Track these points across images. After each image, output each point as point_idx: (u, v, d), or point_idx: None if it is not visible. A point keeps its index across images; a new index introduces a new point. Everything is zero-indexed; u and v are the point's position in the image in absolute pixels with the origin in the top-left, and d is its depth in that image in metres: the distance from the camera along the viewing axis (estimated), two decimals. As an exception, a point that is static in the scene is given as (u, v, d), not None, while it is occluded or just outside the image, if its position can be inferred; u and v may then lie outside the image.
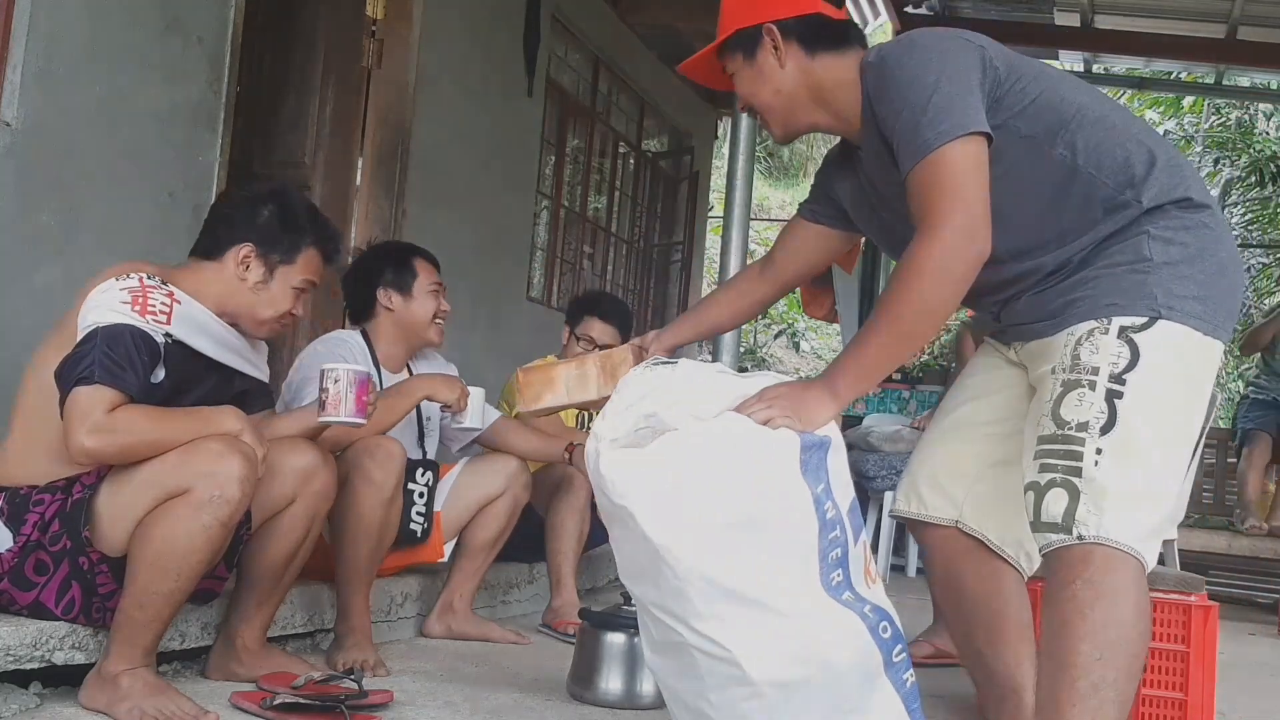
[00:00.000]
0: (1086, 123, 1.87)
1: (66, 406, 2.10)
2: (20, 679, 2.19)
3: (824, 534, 1.76)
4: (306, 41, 4.80)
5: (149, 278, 2.23)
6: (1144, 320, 1.78)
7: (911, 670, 1.83)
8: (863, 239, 7.07)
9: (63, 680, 2.26)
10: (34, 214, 3.20)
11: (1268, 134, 12.86)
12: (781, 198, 17.22)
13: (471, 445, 3.33)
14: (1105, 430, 1.75)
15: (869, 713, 1.79)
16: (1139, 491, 1.75)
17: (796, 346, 14.67)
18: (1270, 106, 12.27)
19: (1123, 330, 1.78)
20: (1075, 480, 1.75)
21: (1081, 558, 1.73)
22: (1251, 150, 12.54)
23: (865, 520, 1.87)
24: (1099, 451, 1.74)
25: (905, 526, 3.83)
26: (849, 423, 6.05)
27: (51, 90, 3.20)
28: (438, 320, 3.22)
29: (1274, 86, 9.95)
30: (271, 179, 4.13)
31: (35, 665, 2.16)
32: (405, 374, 3.22)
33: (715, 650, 1.76)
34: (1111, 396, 1.76)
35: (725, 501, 1.74)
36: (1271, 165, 12.11)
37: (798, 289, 10.20)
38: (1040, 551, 1.81)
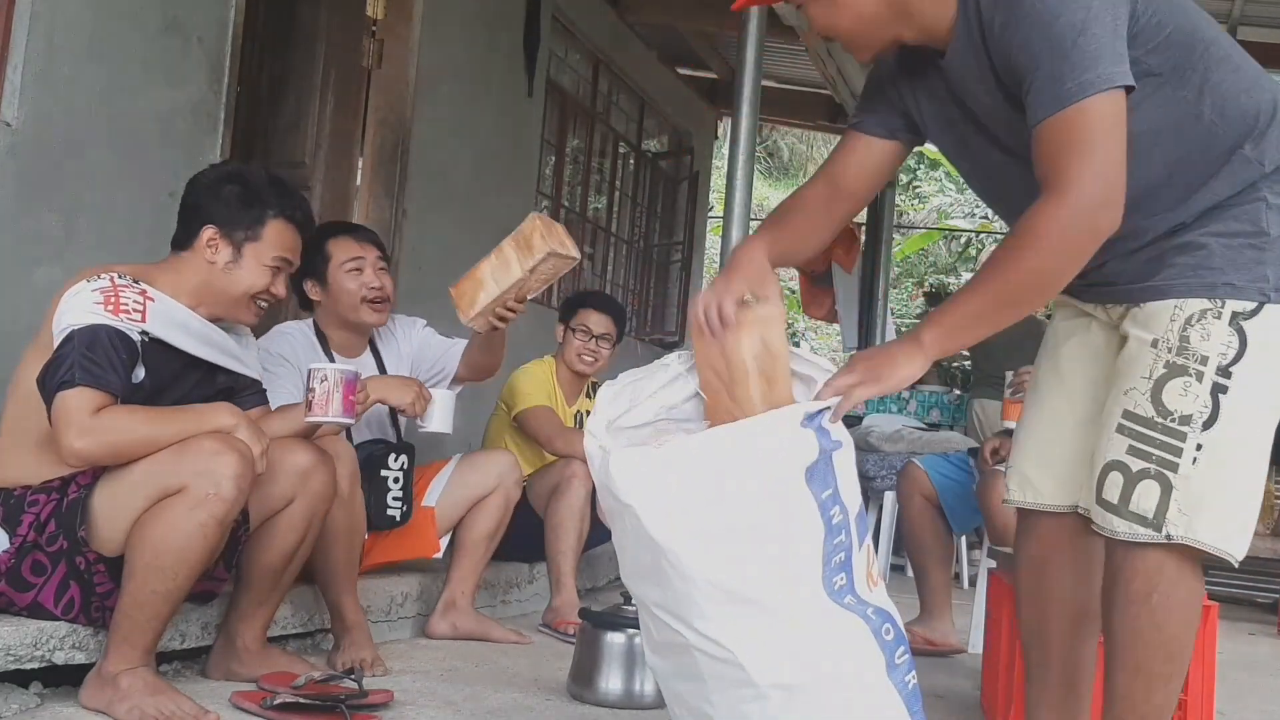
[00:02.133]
0: (1214, 61, 1.72)
1: (53, 412, 2.10)
2: (21, 679, 2.19)
3: (829, 539, 1.76)
4: (307, 41, 4.80)
5: (120, 277, 2.22)
6: (1254, 306, 1.70)
7: (914, 672, 1.82)
8: (863, 239, 7.05)
9: (63, 680, 2.26)
10: (34, 214, 3.20)
11: (1268, 134, 12.84)
12: (781, 198, 17.20)
13: (454, 383, 3.21)
14: (1207, 426, 1.69)
15: (875, 710, 1.79)
16: (1235, 490, 1.72)
17: (796, 346, 14.67)
18: (1270, 106, 12.26)
19: (1234, 316, 1.70)
20: (1170, 475, 1.70)
21: (1156, 568, 1.72)
22: (1251, 150, 12.53)
23: (866, 520, 1.86)
24: (1199, 448, 1.69)
25: (900, 524, 3.86)
26: (849, 422, 6.04)
27: (52, 90, 3.20)
28: (368, 300, 3.04)
29: (1274, 86, 9.93)
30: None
31: (35, 665, 2.16)
32: (368, 356, 3.16)
33: (718, 652, 1.76)
34: (1217, 391, 1.69)
35: (730, 505, 1.73)
36: (1271, 165, 12.09)
37: (797, 292, 10.13)
38: (1110, 535, 1.76)
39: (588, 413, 3.96)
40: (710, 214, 10.19)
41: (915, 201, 15.51)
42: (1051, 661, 2.05)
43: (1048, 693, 2.05)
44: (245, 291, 2.38)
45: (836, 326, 9.81)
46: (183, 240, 2.38)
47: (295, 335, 3.09)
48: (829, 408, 1.75)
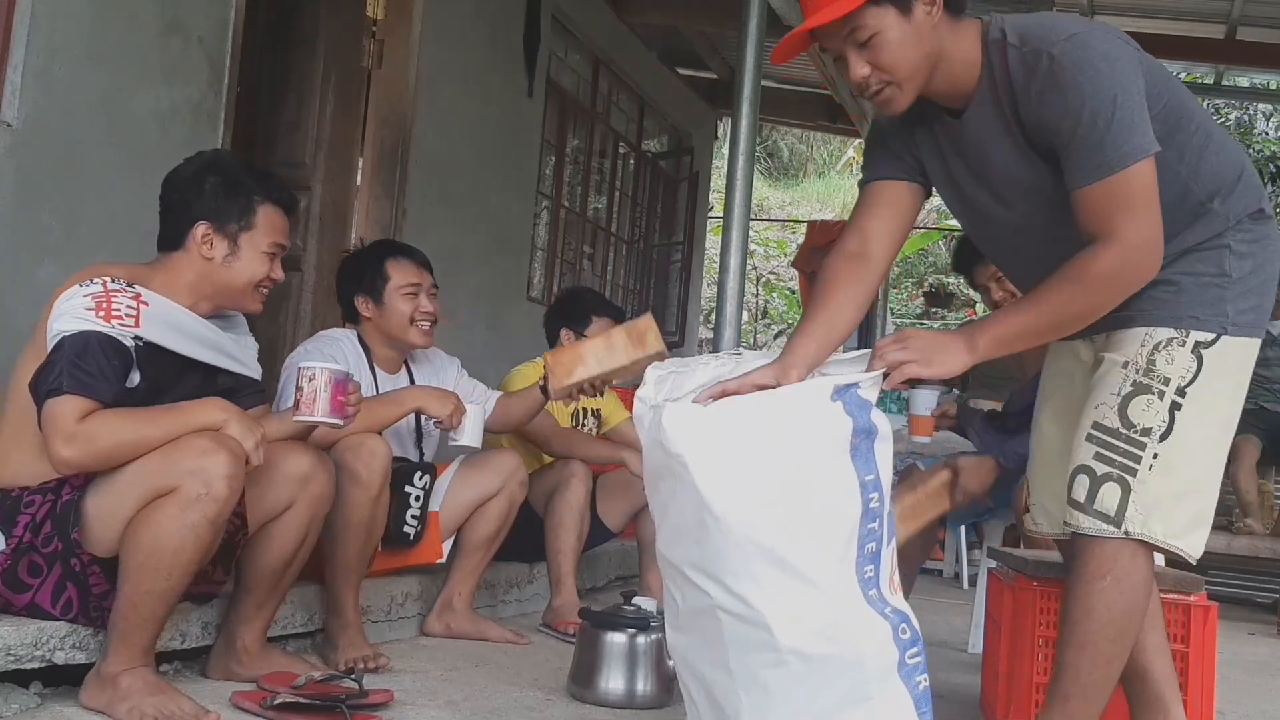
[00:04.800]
0: (1193, 130, 1.96)
1: (42, 420, 2.09)
2: (21, 679, 2.19)
3: (865, 521, 1.81)
4: (307, 42, 4.80)
5: (114, 281, 2.20)
6: (1213, 336, 1.93)
7: (925, 675, 1.84)
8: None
9: (63, 680, 2.26)
10: (34, 214, 3.20)
11: (1267, 134, 12.86)
12: (781, 198, 17.22)
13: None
14: (1164, 437, 1.92)
15: (882, 705, 1.81)
16: (1184, 490, 1.94)
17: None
18: (1270, 106, 12.28)
19: (1196, 345, 1.93)
20: (1130, 479, 1.92)
21: (1113, 555, 1.92)
22: (1251, 150, 12.54)
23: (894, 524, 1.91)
24: (1155, 456, 1.92)
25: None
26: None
27: (52, 90, 3.20)
28: (418, 323, 3.15)
29: (1273, 86, 9.94)
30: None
31: (36, 665, 2.16)
32: (404, 374, 3.22)
33: (745, 612, 1.79)
34: (1174, 407, 1.93)
35: (775, 466, 1.79)
36: (1271, 165, 12.12)
37: (795, 290, 10.14)
38: (1077, 531, 1.96)
39: (584, 410, 3.96)
40: (710, 214, 10.19)
41: (915, 201, 15.50)
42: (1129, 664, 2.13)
43: (1125, 680, 2.16)
44: (248, 282, 2.37)
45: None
46: (172, 239, 2.35)
47: (343, 342, 3.12)
48: (857, 384, 1.84)
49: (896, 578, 1.91)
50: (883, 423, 1.86)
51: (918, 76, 1.88)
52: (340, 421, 2.36)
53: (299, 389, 2.33)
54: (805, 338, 1.99)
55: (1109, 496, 1.92)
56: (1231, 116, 13.09)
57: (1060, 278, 1.85)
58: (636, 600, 2.75)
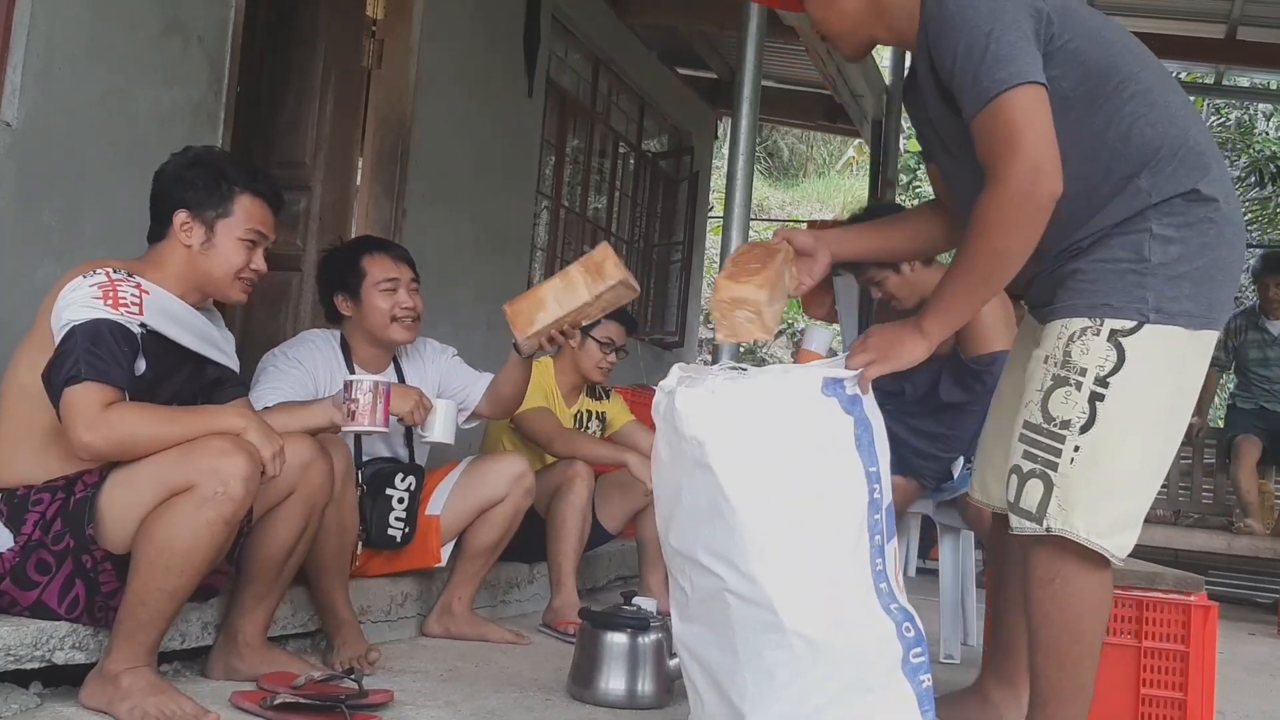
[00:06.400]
0: (1128, 93, 1.88)
1: (62, 409, 2.11)
2: (21, 679, 2.19)
3: (871, 512, 1.84)
4: (306, 41, 4.80)
5: (115, 271, 2.24)
6: (1133, 324, 1.86)
7: (929, 674, 1.85)
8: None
9: (63, 680, 2.26)
10: (34, 213, 3.20)
11: (1267, 134, 12.86)
12: (781, 198, 17.22)
13: (471, 417, 3.24)
14: (1084, 429, 1.86)
15: (885, 697, 1.82)
16: (1107, 488, 1.87)
17: (797, 346, 14.68)
18: (1270, 106, 12.28)
19: (1113, 334, 1.86)
20: (1051, 474, 1.88)
21: (1058, 556, 1.89)
22: (1251, 150, 12.55)
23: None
24: (1076, 449, 1.86)
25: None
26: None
27: (51, 90, 3.20)
28: (399, 319, 3.06)
29: (1274, 86, 9.95)
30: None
31: (36, 665, 2.16)
32: (391, 371, 3.17)
33: (753, 593, 1.81)
34: (1094, 398, 1.86)
35: (790, 451, 1.82)
36: (1271, 165, 12.12)
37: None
38: (1013, 532, 1.94)
39: (588, 412, 3.96)
40: (710, 214, 10.19)
41: (915, 201, 15.54)
42: (999, 628, 2.32)
43: (990, 651, 2.33)
44: (227, 271, 2.39)
45: (837, 326, 9.82)
46: (158, 231, 2.40)
47: (319, 343, 3.07)
48: (846, 379, 1.88)
49: (902, 579, 1.92)
50: (876, 419, 1.89)
51: (848, 33, 2.03)
52: (387, 429, 2.53)
53: (352, 400, 2.46)
54: (854, 234, 2.21)
55: (1032, 493, 1.89)
56: (1232, 116, 13.09)
57: (967, 235, 1.85)
58: (636, 600, 2.75)
